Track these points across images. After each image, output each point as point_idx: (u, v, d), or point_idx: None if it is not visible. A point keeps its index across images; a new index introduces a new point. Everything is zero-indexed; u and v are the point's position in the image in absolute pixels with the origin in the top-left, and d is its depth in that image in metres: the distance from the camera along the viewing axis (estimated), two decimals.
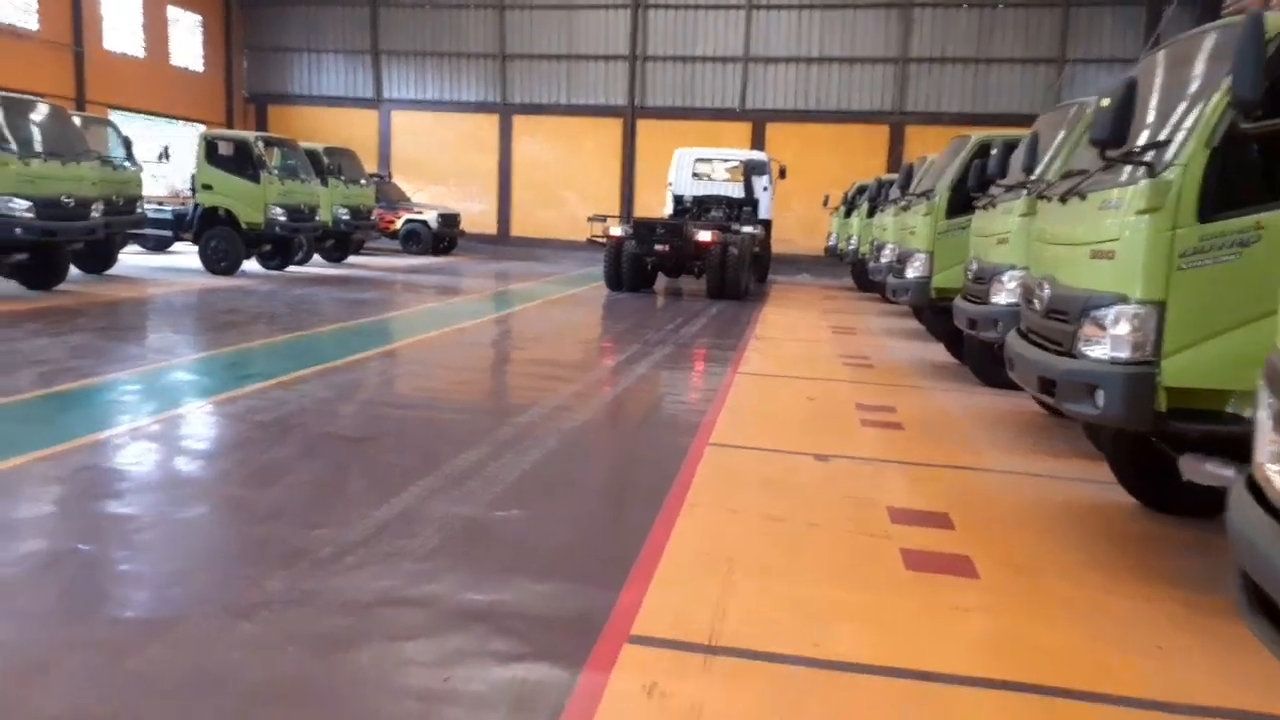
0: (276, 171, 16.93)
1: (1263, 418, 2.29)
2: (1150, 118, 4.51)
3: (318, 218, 18.09)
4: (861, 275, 19.58)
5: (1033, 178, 6.57)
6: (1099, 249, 4.44)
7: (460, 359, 9.70)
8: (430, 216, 25.42)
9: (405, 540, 4.25)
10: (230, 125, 29.88)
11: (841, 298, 19.24)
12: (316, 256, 20.51)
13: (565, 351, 10.61)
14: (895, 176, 16.87)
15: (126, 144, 15.69)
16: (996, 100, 26.30)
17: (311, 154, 19.45)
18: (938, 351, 11.08)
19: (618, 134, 28.81)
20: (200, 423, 6.45)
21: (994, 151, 8.53)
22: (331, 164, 19.86)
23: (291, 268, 18.60)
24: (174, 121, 28.47)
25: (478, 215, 30.01)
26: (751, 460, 6.13)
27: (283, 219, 16.76)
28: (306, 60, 31.85)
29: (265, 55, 32.06)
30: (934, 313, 10.48)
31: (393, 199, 25.74)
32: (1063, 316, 4.69)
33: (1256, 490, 2.30)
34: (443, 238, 25.81)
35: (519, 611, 3.59)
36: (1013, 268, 6.96)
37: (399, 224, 25.27)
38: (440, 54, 30.89)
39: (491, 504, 4.89)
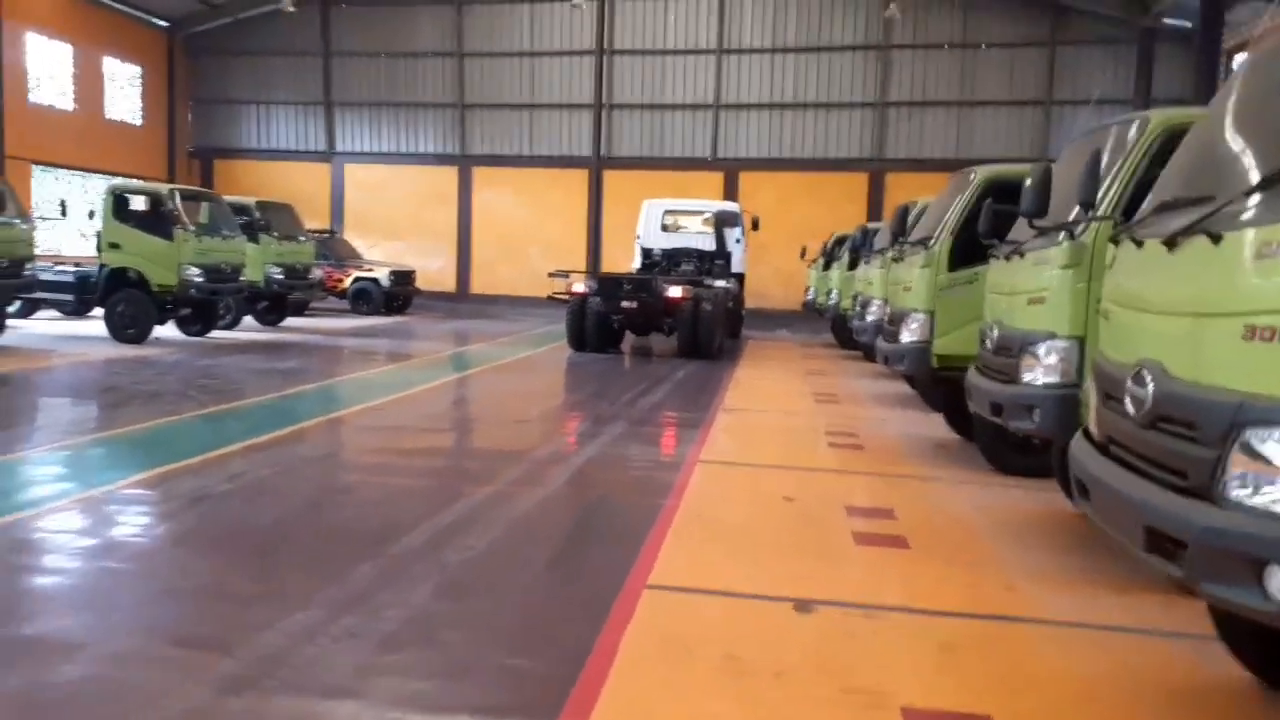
0: (193, 229, 15.18)
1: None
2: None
3: (242, 278, 16.32)
4: (842, 331, 18.10)
5: (1093, 213, 4.88)
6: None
7: (347, 451, 7.89)
8: (381, 274, 23.75)
9: None
10: (172, 180, 28.21)
11: (822, 356, 17.62)
12: (249, 320, 18.74)
13: (490, 436, 8.81)
14: (880, 225, 15.36)
15: (12, 199, 13.92)
16: (982, 145, 24.97)
17: (240, 208, 17.83)
18: (937, 424, 9.38)
19: (583, 185, 27.34)
20: None
21: (1038, 179, 6.91)
22: (263, 219, 18.14)
23: (217, 333, 16.80)
24: (111, 178, 26.75)
25: (435, 272, 28.40)
26: (705, 614, 4.34)
27: (199, 280, 15.00)
28: (255, 112, 30.38)
29: (211, 107, 30.59)
30: (935, 382, 8.79)
31: (342, 256, 24.11)
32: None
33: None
34: (396, 296, 24.15)
35: None
36: (1053, 336, 5.26)
37: (348, 282, 23.58)
38: (396, 104, 29.54)
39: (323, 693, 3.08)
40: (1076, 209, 4.93)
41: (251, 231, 17.85)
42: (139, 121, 28.63)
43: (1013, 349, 5.59)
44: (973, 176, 8.22)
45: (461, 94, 29.14)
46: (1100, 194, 4.84)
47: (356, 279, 23.62)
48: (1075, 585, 4.89)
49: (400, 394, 10.85)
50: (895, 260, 9.25)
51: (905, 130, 26.71)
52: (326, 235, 24.85)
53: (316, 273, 23.05)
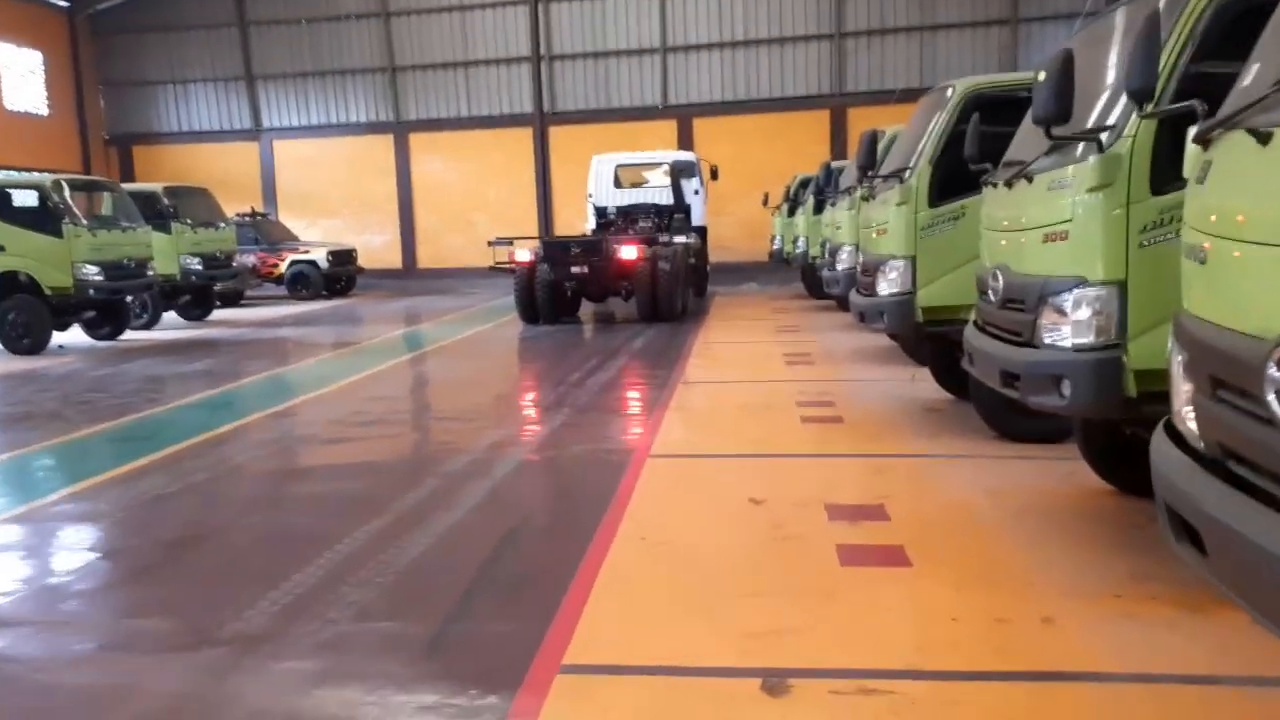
0: (85, 222, 13.63)
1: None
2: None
3: (150, 271, 14.80)
4: (812, 280, 16.91)
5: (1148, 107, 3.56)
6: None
7: (221, 480, 6.54)
8: (319, 255, 22.25)
9: None
10: (88, 172, 26.37)
11: (792, 309, 16.37)
12: (172, 316, 17.23)
13: (401, 443, 7.48)
14: (845, 162, 14.03)
15: None
16: (946, 71, 23.46)
17: (146, 195, 16.26)
18: (923, 381, 8.14)
19: (528, 145, 25.71)
20: None
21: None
22: (171, 205, 16.56)
23: (132, 334, 15.30)
24: (16, 174, 24.89)
25: (379, 249, 26.85)
26: (638, 706, 3.07)
27: (98, 279, 13.49)
28: (173, 93, 28.48)
29: (125, 91, 28.62)
30: (922, 340, 7.51)
31: (275, 239, 22.59)
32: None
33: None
34: (337, 278, 22.71)
35: None
36: (1082, 282, 3.97)
37: (283, 267, 22.08)
38: (323, 73, 27.73)
39: None
40: (1114, 106, 3.75)
41: (162, 220, 16.29)
42: (45, 111, 26.66)
43: (1027, 301, 4.36)
44: (950, 92, 6.90)
45: (391, 56, 27.38)
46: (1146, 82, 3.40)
47: (292, 263, 22.15)
48: (1132, 606, 3.66)
49: (314, 392, 9.48)
50: (865, 199, 7.91)
51: (865, 61, 25.27)
52: (257, 218, 23.32)
53: (249, 259, 21.69)
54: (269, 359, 12.47)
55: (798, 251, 17.61)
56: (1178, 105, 3.23)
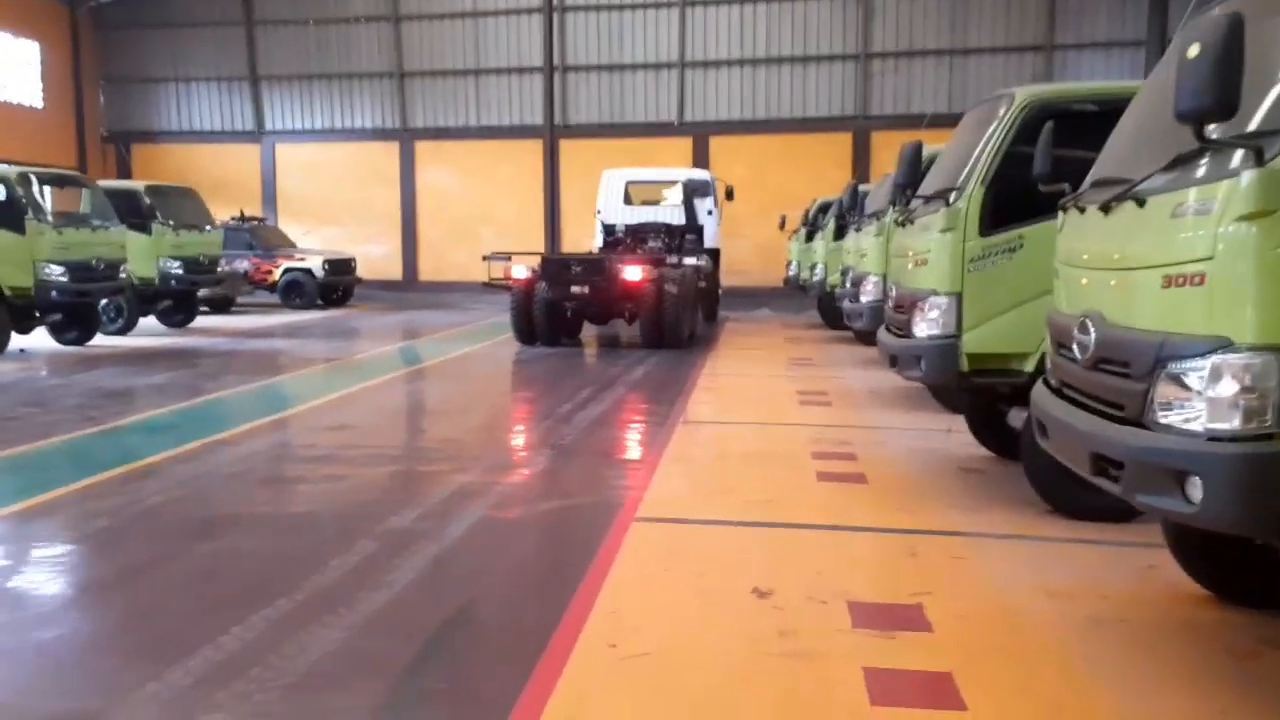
0: (50, 219, 12.70)
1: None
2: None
3: (123, 274, 13.85)
4: (829, 309, 15.86)
5: None
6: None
7: (158, 511, 5.49)
8: (315, 263, 21.28)
9: None
10: (83, 169, 25.53)
11: (807, 340, 15.31)
12: (151, 322, 16.27)
13: (345, 491, 6.40)
14: (873, 185, 13.02)
15: None
16: (976, 97, 22.44)
17: (126, 194, 15.35)
18: (959, 435, 7.06)
19: (537, 157, 24.70)
20: None
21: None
22: (154, 205, 15.62)
23: (104, 340, 14.35)
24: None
25: (380, 259, 25.85)
26: None
27: (62, 280, 12.55)
28: (175, 91, 27.62)
29: (126, 87, 27.79)
30: (967, 392, 6.42)
31: (271, 244, 21.66)
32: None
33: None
34: (334, 288, 21.76)
35: None
36: (1225, 345, 2.87)
37: (277, 274, 21.12)
38: (329, 76, 26.78)
39: None
40: None
41: (142, 220, 15.37)
42: (40, 104, 25.84)
43: (1134, 365, 3.24)
44: (1007, 102, 5.84)
45: (400, 62, 26.41)
46: None
47: (287, 270, 21.18)
48: None
49: (273, 415, 8.48)
50: (900, 224, 6.84)
51: (891, 84, 24.21)
52: (254, 223, 22.42)
53: (242, 264, 20.82)
54: (239, 373, 11.45)
55: (815, 279, 16.60)
56: None
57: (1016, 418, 5.91)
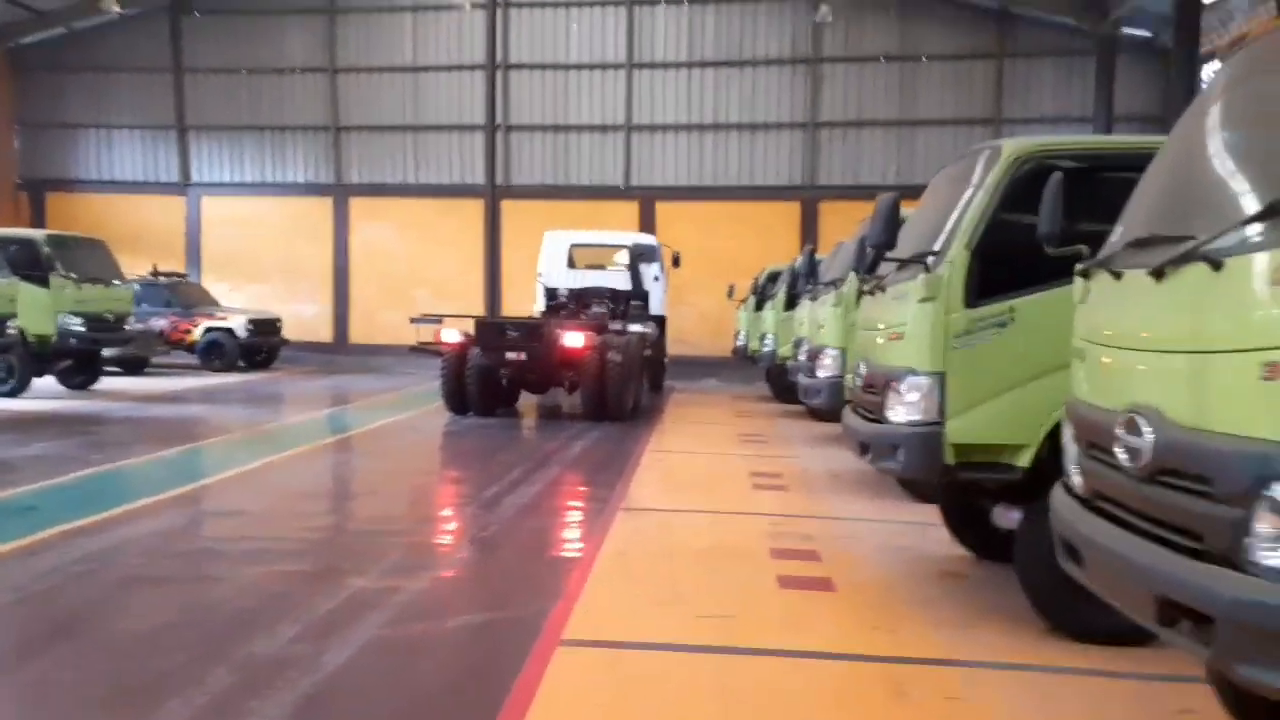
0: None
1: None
2: None
3: (10, 329, 12.63)
4: (779, 381, 15.13)
5: None
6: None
7: None
8: (237, 323, 20.07)
9: None
10: None
11: (758, 413, 14.56)
12: (48, 383, 14.95)
13: (233, 583, 5.35)
14: (829, 254, 12.40)
15: None
16: (926, 168, 22.34)
17: (21, 242, 14.18)
18: (935, 531, 6.26)
19: (478, 217, 23.90)
20: None
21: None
22: (54, 255, 14.42)
23: None
24: None
25: (309, 319, 24.71)
26: None
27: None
28: (95, 138, 26.40)
29: (42, 132, 26.50)
30: (952, 490, 5.62)
31: (190, 302, 20.46)
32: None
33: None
34: (257, 349, 20.55)
35: None
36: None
37: (196, 333, 19.88)
38: (260, 127, 25.82)
39: None
40: None
41: (40, 273, 14.15)
42: None
43: (1226, 482, 2.46)
44: (991, 156, 5.12)
45: (335, 115, 25.54)
46: None
47: (207, 329, 19.95)
48: None
49: (146, 499, 7.33)
50: (869, 292, 6.06)
51: (839, 153, 23.98)
52: (174, 279, 21.23)
53: (159, 323, 19.62)
54: (130, 445, 10.23)
55: (765, 349, 15.91)
56: None
57: (1000, 514, 5.11)
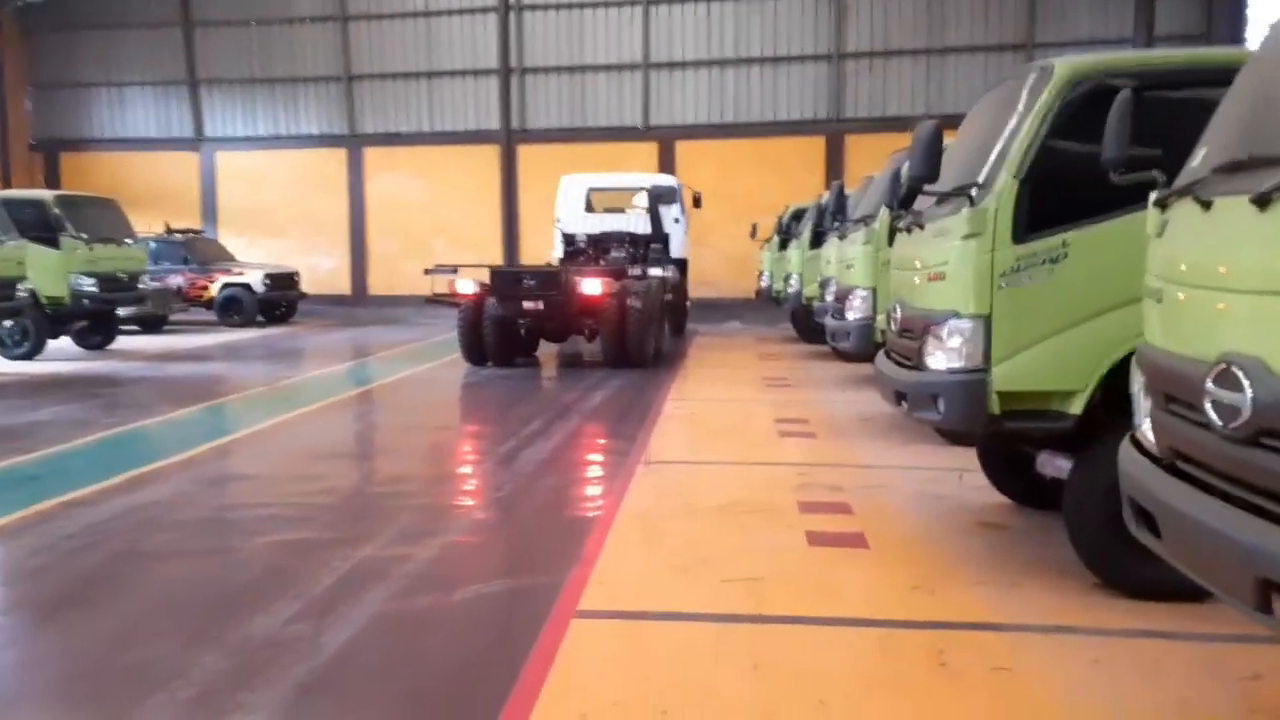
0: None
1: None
2: None
3: (21, 291, 12.47)
4: (806, 323, 14.74)
5: None
6: None
7: None
8: (254, 278, 19.93)
9: None
10: (7, 179, 23.97)
11: (783, 355, 14.22)
12: (64, 344, 14.86)
13: (237, 552, 5.12)
14: (856, 189, 11.91)
15: None
16: (956, 99, 21.53)
17: (30, 204, 13.99)
18: (972, 478, 5.92)
19: (494, 163, 23.49)
20: None
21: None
22: (64, 216, 14.21)
23: (3, 365, 12.99)
24: None
25: (326, 273, 24.56)
26: None
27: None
28: (107, 96, 26.12)
29: (55, 93, 26.23)
30: (996, 439, 5.24)
31: (207, 258, 20.31)
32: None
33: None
34: (275, 304, 20.45)
35: None
36: None
37: (214, 289, 19.78)
38: (273, 80, 25.41)
39: None
40: None
41: (51, 234, 13.96)
42: None
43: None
44: (1043, 77, 4.64)
45: (348, 64, 25.03)
46: None
47: (224, 285, 19.85)
48: None
49: (153, 464, 7.11)
50: (906, 229, 5.62)
51: (866, 85, 23.19)
52: (189, 235, 21.05)
53: (176, 280, 19.55)
54: (141, 406, 10.06)
55: (789, 290, 15.49)
56: None
57: (1045, 462, 4.75)
